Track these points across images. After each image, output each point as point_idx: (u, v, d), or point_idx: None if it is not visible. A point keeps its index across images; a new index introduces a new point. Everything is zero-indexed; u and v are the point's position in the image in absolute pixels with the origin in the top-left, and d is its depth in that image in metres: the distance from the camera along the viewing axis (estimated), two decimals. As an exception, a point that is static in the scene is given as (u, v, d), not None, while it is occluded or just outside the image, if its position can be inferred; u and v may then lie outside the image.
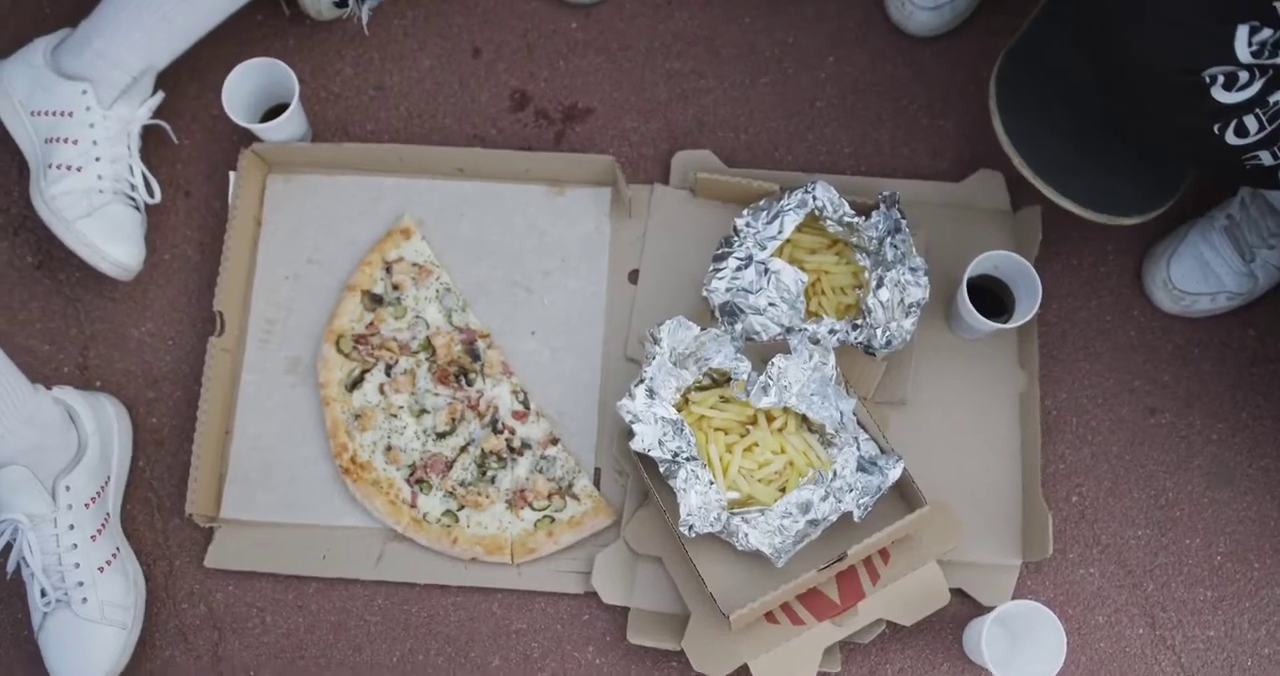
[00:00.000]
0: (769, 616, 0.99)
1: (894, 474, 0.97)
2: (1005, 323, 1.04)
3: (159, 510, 1.11)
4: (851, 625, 1.00)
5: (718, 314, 1.04)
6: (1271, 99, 0.81)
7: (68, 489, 1.02)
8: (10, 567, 1.03)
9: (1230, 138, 0.83)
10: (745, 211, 1.05)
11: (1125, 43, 0.84)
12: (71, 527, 1.02)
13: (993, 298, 1.07)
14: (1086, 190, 1.01)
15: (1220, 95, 0.81)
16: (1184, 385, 1.12)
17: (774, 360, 0.99)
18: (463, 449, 1.08)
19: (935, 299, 1.08)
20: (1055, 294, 1.14)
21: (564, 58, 1.22)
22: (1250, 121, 0.82)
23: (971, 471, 1.06)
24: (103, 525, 1.05)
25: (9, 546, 1.03)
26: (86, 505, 1.04)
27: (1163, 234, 1.14)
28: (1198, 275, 1.10)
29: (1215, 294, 1.10)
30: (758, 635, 0.99)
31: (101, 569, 1.03)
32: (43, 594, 1.02)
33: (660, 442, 0.97)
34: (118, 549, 1.06)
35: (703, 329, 1.00)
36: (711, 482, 0.97)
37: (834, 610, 1.00)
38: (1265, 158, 0.85)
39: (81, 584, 1.02)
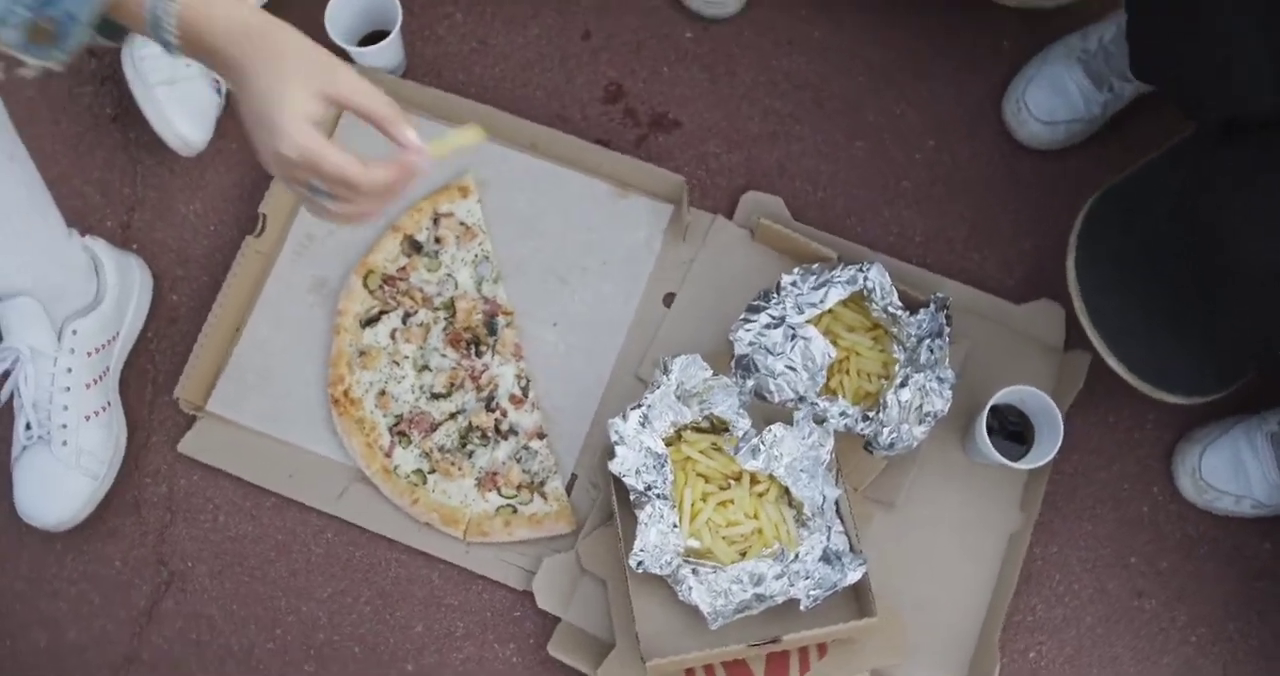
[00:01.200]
0: (689, 672, 1.00)
1: (853, 575, 0.97)
2: (1017, 460, 1.02)
3: (152, 383, 1.13)
4: None
5: (734, 364, 1.03)
6: None
7: (74, 333, 1.05)
8: (3, 396, 1.06)
9: None
10: (796, 270, 1.04)
11: (1224, 242, 0.81)
12: (69, 371, 1.04)
13: (1014, 429, 1.05)
14: (1140, 356, 0.98)
15: None
16: (1180, 578, 1.09)
17: (773, 426, 0.98)
18: (451, 416, 1.09)
19: (957, 411, 1.05)
20: (1079, 446, 1.11)
21: (669, 64, 1.21)
22: None
23: (937, 595, 1.05)
24: (100, 377, 1.07)
25: (7, 375, 1.05)
26: (89, 353, 1.06)
27: (1206, 420, 1.10)
28: (1229, 473, 1.06)
29: (1241, 497, 1.06)
30: None
31: (88, 417, 1.06)
32: (27, 427, 1.05)
33: (638, 471, 0.97)
34: (109, 404, 1.09)
35: (715, 374, 1.00)
36: (675, 526, 0.97)
37: None
38: None
39: (65, 426, 1.04)
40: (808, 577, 0.97)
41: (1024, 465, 1.02)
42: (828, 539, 0.98)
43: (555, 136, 1.14)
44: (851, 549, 0.99)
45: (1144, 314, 0.97)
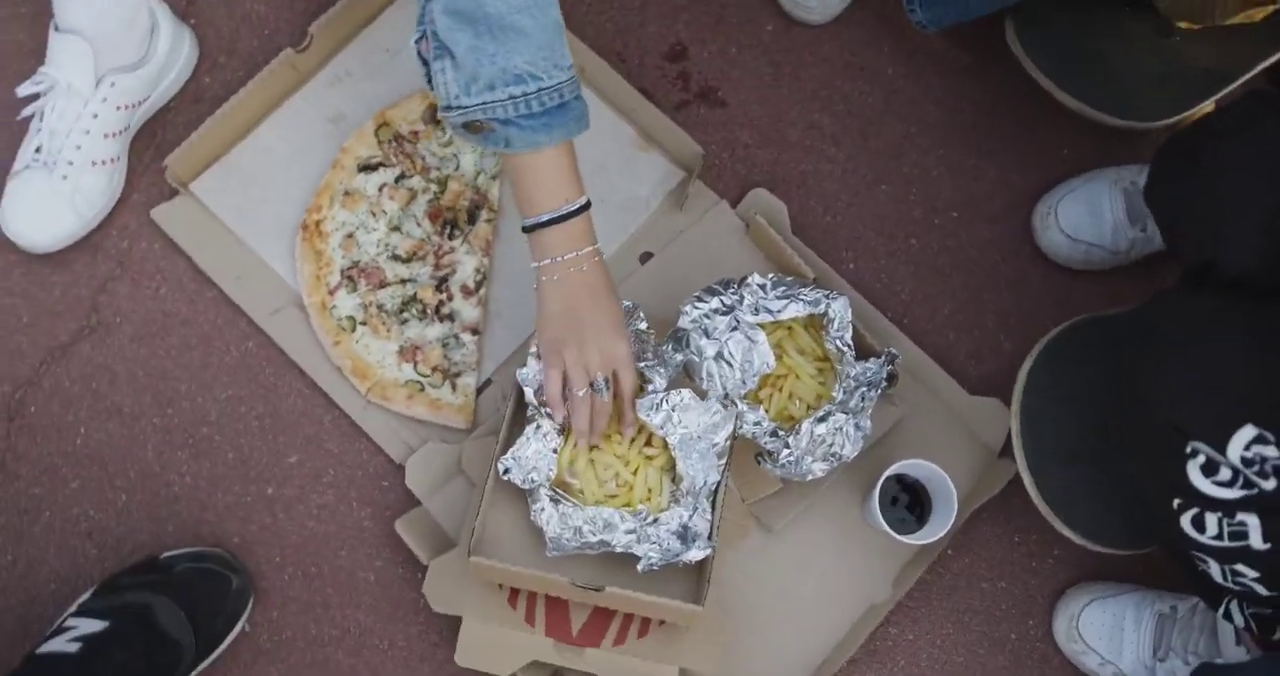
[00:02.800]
0: (512, 599, 1.03)
1: (696, 553, 0.99)
2: (903, 533, 1.03)
3: (155, 148, 1.18)
4: (569, 661, 1.02)
5: (670, 336, 1.06)
6: (1240, 516, 0.78)
7: (112, 85, 1.09)
8: (27, 112, 1.11)
9: (1186, 525, 0.80)
10: (770, 275, 1.06)
11: (1142, 374, 0.82)
12: (95, 116, 1.09)
13: (915, 505, 1.07)
14: (1055, 482, 0.99)
15: (1194, 475, 0.78)
16: None
17: (683, 391, 1.00)
18: (402, 281, 1.13)
19: (870, 471, 1.06)
20: (977, 551, 1.13)
21: (740, 47, 1.23)
22: (1211, 521, 0.79)
23: (777, 631, 1.07)
24: (120, 131, 1.13)
25: (36, 98, 1.10)
26: (118, 107, 1.11)
27: (1109, 575, 1.11)
28: (1104, 633, 1.07)
29: (1106, 662, 1.07)
30: (491, 604, 1.03)
31: (94, 163, 1.11)
32: (37, 150, 1.10)
33: (540, 388, 1.01)
34: (118, 158, 1.14)
35: (649, 329, 1.04)
36: (555, 451, 1.01)
37: (566, 637, 1.02)
38: (1214, 571, 0.82)
39: (71, 164, 1.10)
40: (655, 542, 0.99)
41: (905, 539, 1.03)
42: (690, 517, 1.00)
43: (605, 70, 1.16)
44: (709, 536, 1.01)
45: (1075, 444, 0.99)
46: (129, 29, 1.09)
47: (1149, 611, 1.06)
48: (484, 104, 0.85)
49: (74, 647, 0.94)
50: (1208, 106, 1.11)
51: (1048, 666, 1.12)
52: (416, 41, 0.88)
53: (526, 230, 0.94)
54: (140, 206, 1.16)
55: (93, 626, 0.96)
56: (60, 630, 0.97)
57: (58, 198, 1.10)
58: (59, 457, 1.12)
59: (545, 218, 0.92)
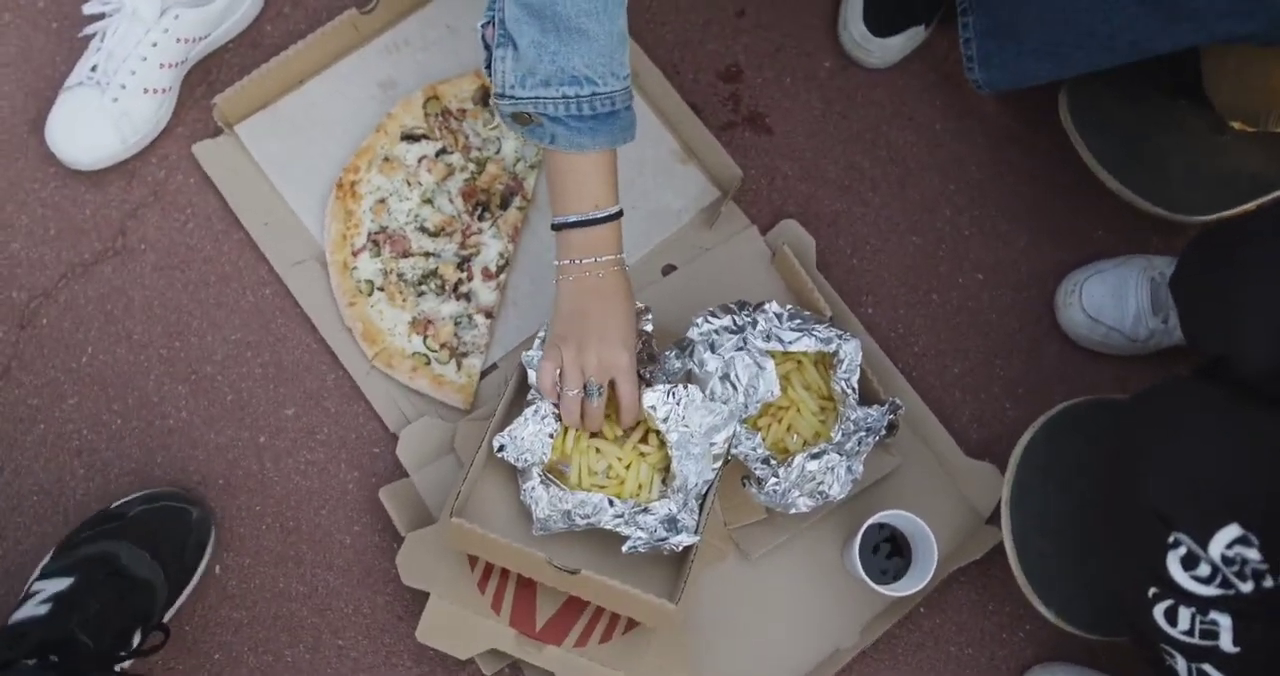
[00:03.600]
0: (482, 583, 1.04)
1: (684, 539, 0.98)
2: (878, 582, 1.03)
3: (207, 84, 1.19)
4: (527, 655, 1.02)
5: (676, 343, 1.07)
6: (1213, 614, 0.77)
7: (176, 18, 1.11)
8: (88, 30, 1.12)
9: (1159, 615, 0.80)
10: (787, 305, 1.07)
11: (1133, 458, 0.82)
12: (154, 45, 1.11)
13: (896, 558, 1.07)
14: (1039, 555, 0.99)
15: (1173, 566, 0.78)
16: None
17: (690, 389, 1.01)
18: (426, 254, 1.14)
19: (856, 516, 1.06)
20: (949, 614, 1.12)
21: (795, 78, 1.23)
22: (1184, 615, 0.79)
23: (738, 660, 1.06)
24: (176, 63, 1.14)
25: (100, 18, 1.12)
26: (179, 40, 1.12)
27: (1070, 658, 1.11)
28: None
29: None
30: (460, 585, 1.03)
31: (147, 90, 1.12)
32: (93, 68, 1.11)
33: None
34: (169, 88, 1.15)
35: (651, 332, 1.04)
36: (552, 436, 1.01)
37: (529, 630, 1.03)
38: (1180, 667, 0.81)
39: (124, 87, 1.11)
40: (641, 528, 1.00)
41: (880, 589, 1.03)
42: (679, 511, 1.00)
43: (659, 78, 1.17)
44: (695, 530, 1.00)
45: (1061, 522, 0.99)
46: None
47: None
48: (537, 98, 0.86)
49: (44, 609, 0.93)
50: (1248, 208, 1.11)
51: None
52: (483, 25, 0.89)
53: (555, 228, 0.95)
54: (183, 139, 1.18)
55: (59, 585, 0.95)
56: (27, 596, 0.96)
57: (105, 118, 1.11)
58: (62, 373, 1.13)
59: (574, 219, 0.93)
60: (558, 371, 0.98)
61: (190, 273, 1.16)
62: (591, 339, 0.95)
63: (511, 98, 0.87)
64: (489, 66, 0.89)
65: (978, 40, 1.04)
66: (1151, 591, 0.81)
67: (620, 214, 0.95)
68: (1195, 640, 0.79)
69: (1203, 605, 0.78)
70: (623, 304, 0.96)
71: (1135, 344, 1.15)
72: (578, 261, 0.94)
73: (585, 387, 0.98)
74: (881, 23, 1.19)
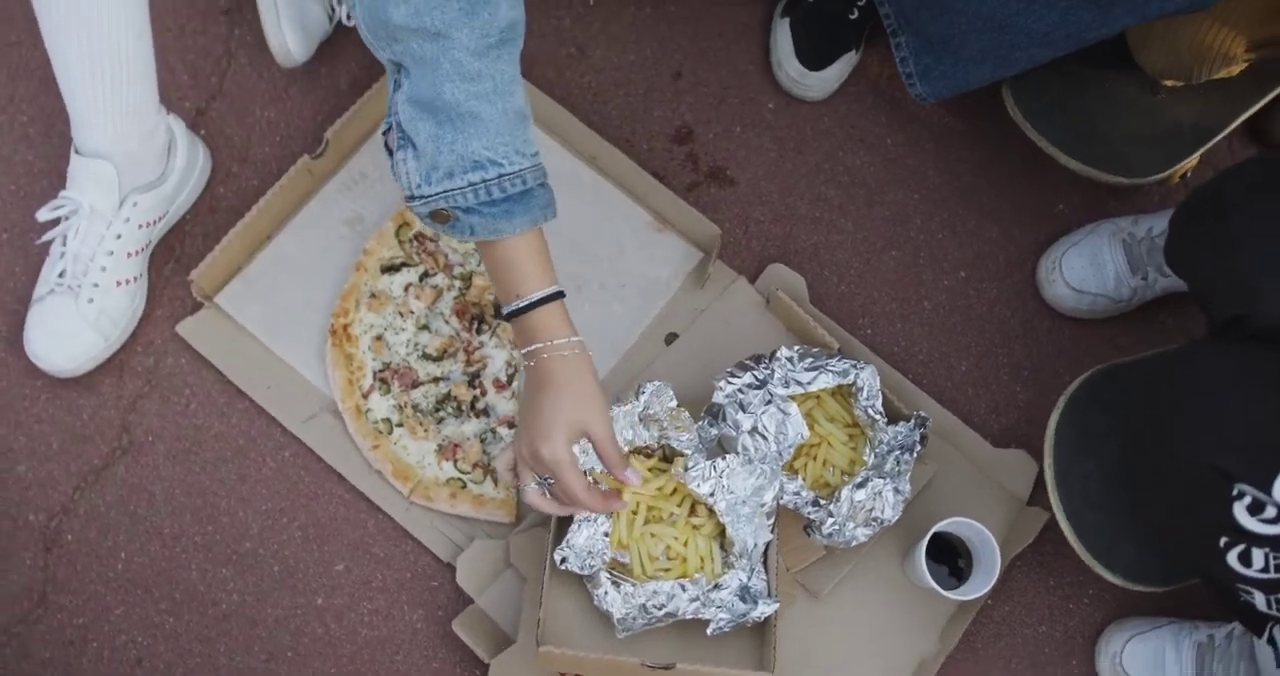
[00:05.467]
0: None
1: (765, 609, 1.00)
2: (948, 589, 1.06)
3: (175, 261, 1.19)
4: None
5: (706, 410, 1.08)
6: None
7: (135, 205, 1.10)
8: (48, 237, 1.11)
9: (1232, 560, 0.84)
10: (795, 347, 1.09)
11: (1180, 422, 0.86)
12: (119, 237, 1.10)
13: (956, 560, 1.09)
14: (1092, 526, 1.02)
15: (1240, 514, 0.81)
16: None
17: (728, 457, 1.03)
18: (435, 380, 1.14)
19: (908, 529, 1.09)
20: (1015, 598, 1.15)
21: (744, 126, 1.27)
22: (1258, 556, 0.83)
23: None
24: (141, 249, 1.13)
25: (56, 223, 1.11)
26: (140, 225, 1.12)
27: (1143, 611, 1.14)
28: (1147, 668, 1.09)
29: None
30: None
31: (119, 283, 1.11)
32: (60, 274, 1.10)
33: (585, 473, 1.01)
34: (140, 275, 1.14)
35: (679, 407, 1.05)
36: (607, 535, 1.02)
37: None
38: (1259, 600, 0.85)
39: (96, 285, 1.10)
40: (720, 606, 1.01)
41: (954, 595, 1.05)
42: (749, 578, 1.02)
43: (617, 156, 1.19)
44: (770, 593, 1.03)
45: (1106, 489, 1.02)
46: (149, 148, 1.10)
47: (1188, 642, 1.09)
48: (445, 192, 0.84)
49: None
50: (1194, 160, 1.17)
51: None
52: (384, 133, 0.88)
53: (504, 318, 0.94)
54: (164, 322, 1.16)
55: None
56: None
57: (83, 321, 1.10)
58: (101, 585, 1.10)
59: (512, 307, 0.91)
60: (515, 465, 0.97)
61: (205, 453, 1.14)
62: (534, 434, 0.92)
63: (421, 197, 0.85)
64: (395, 171, 0.87)
65: (914, 58, 1.08)
66: (1223, 541, 0.84)
67: (559, 295, 0.93)
68: (1272, 575, 0.83)
69: (1276, 543, 0.82)
70: (574, 391, 0.93)
71: (1121, 304, 1.20)
72: (533, 346, 0.92)
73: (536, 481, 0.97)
74: (814, 57, 1.23)
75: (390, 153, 0.87)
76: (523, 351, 0.93)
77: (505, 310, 0.92)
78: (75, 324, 1.10)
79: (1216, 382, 0.85)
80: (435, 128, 0.82)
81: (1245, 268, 0.86)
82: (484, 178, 0.84)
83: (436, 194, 0.84)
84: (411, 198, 0.86)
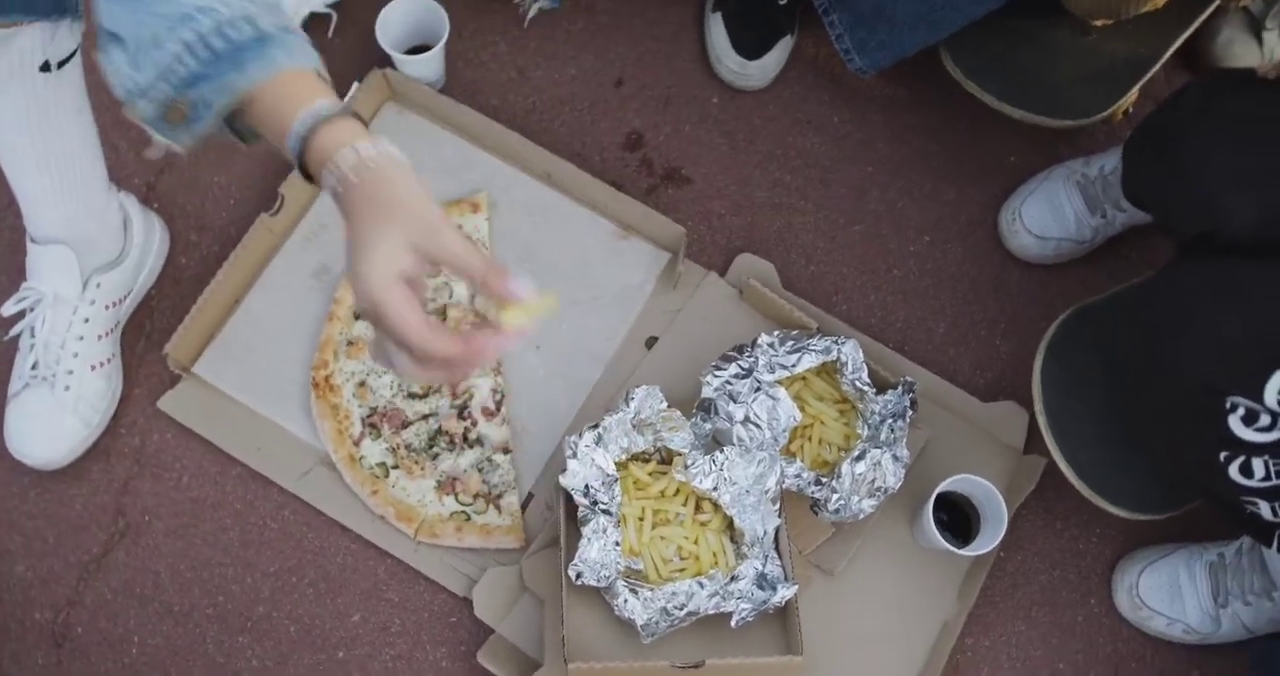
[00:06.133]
0: None
1: (785, 592, 1.01)
2: (959, 547, 1.06)
3: (146, 337, 1.18)
4: None
5: (697, 406, 1.08)
6: None
7: (98, 286, 1.09)
8: (15, 331, 1.10)
9: (1234, 472, 0.85)
10: (775, 332, 1.09)
11: (1164, 344, 0.87)
12: (86, 321, 1.09)
13: (963, 517, 1.10)
14: (1090, 464, 1.03)
15: (1236, 426, 0.82)
16: None
17: (725, 449, 1.03)
18: (424, 417, 1.14)
19: (910, 494, 1.10)
20: (1026, 547, 1.16)
21: (692, 124, 1.28)
22: (1258, 465, 0.83)
23: (862, 670, 1.08)
24: (111, 330, 1.12)
25: (22, 315, 1.10)
26: (106, 306, 1.11)
27: (1152, 541, 1.15)
28: (1165, 595, 1.10)
29: (1174, 621, 1.10)
30: None
31: (93, 367, 1.10)
32: (33, 366, 1.09)
33: (587, 487, 1.02)
34: (112, 356, 1.13)
35: (669, 407, 1.05)
36: (618, 544, 1.01)
37: None
38: (1265, 510, 0.86)
39: (71, 372, 1.09)
40: (740, 597, 1.01)
41: (966, 552, 1.06)
42: (763, 566, 1.02)
43: (571, 171, 1.19)
44: (786, 577, 1.03)
45: (1099, 426, 1.03)
46: (105, 227, 1.09)
47: (1199, 564, 1.10)
48: (161, 71, 0.66)
49: None
50: (1134, 94, 1.19)
51: (1119, 638, 1.14)
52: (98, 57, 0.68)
53: (300, 167, 0.69)
54: (144, 400, 1.15)
55: None
56: None
57: (63, 411, 1.09)
58: (117, 672, 1.08)
59: (294, 136, 0.67)
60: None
61: (204, 524, 1.13)
62: (354, 278, 0.68)
63: (138, 90, 0.66)
64: (111, 85, 0.67)
65: (849, 33, 1.10)
66: (1223, 455, 0.85)
67: (350, 111, 0.69)
68: (1273, 482, 0.84)
69: (1274, 449, 0.83)
70: (378, 207, 0.67)
71: (1084, 245, 1.21)
72: (327, 175, 0.68)
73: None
74: (751, 46, 1.24)
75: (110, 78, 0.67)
76: (324, 175, 0.68)
77: (293, 137, 0.67)
78: (55, 414, 1.09)
79: (1194, 301, 0.86)
80: (133, 3, 0.65)
81: (1204, 185, 0.87)
82: (198, 31, 0.65)
83: (153, 79, 0.66)
84: (130, 99, 0.67)
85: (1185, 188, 0.89)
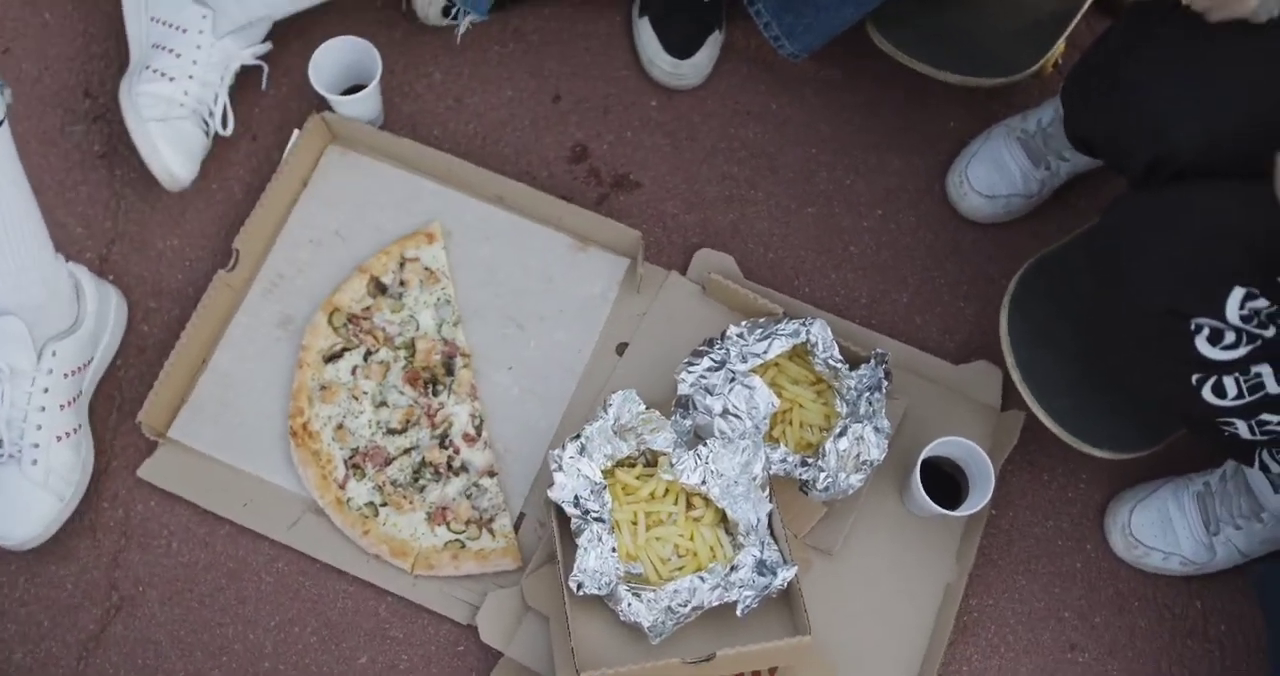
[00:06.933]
0: None
1: (785, 574, 1.00)
2: (951, 510, 1.06)
3: (117, 409, 1.17)
4: None
5: (675, 403, 1.08)
6: (1254, 369, 0.83)
7: (54, 354, 1.08)
8: None
9: (1208, 394, 0.85)
10: (743, 323, 1.10)
11: (1124, 276, 0.87)
12: (46, 391, 1.08)
13: (951, 482, 1.10)
14: (1067, 410, 1.04)
15: (1203, 347, 0.83)
16: (1112, 632, 1.13)
17: (709, 442, 1.03)
18: (406, 451, 1.13)
19: (895, 465, 1.11)
20: (1016, 503, 1.16)
21: (633, 129, 1.28)
22: (1229, 384, 0.84)
23: (872, 643, 1.08)
24: (73, 399, 1.11)
25: None
26: (65, 375, 1.10)
27: (1138, 480, 1.16)
28: (1157, 530, 1.11)
29: (1170, 554, 1.11)
30: None
31: (59, 438, 1.09)
32: None
33: (576, 498, 1.02)
34: (79, 426, 1.12)
35: (648, 408, 1.05)
36: (614, 550, 1.01)
37: None
38: (1242, 429, 0.86)
39: (37, 446, 1.07)
40: (741, 586, 1.01)
41: (958, 513, 1.06)
42: (761, 552, 1.02)
43: (521, 190, 1.20)
44: (784, 560, 1.03)
45: (1070, 373, 1.04)
46: (55, 294, 1.09)
47: (1187, 495, 1.11)
48: None
49: None
50: (1060, 46, 1.21)
51: (1119, 579, 1.15)
52: None
53: None
54: (123, 471, 1.14)
55: None
56: None
57: (33, 486, 1.08)
58: (131, 747, 1.07)
59: None
60: None
61: (199, 588, 1.11)
62: None
63: None
64: None
65: (776, 20, 1.11)
66: (1195, 378, 0.85)
67: None
68: (1246, 399, 0.85)
69: (1242, 365, 0.84)
70: None
71: (1033, 198, 1.23)
72: None
73: None
74: (681, 46, 1.26)
75: None
76: None
77: None
78: (26, 490, 1.07)
79: (1146, 228, 0.87)
80: None
81: (1152, 108, 0.88)
82: None
83: None
84: None
85: (1134, 114, 0.90)
